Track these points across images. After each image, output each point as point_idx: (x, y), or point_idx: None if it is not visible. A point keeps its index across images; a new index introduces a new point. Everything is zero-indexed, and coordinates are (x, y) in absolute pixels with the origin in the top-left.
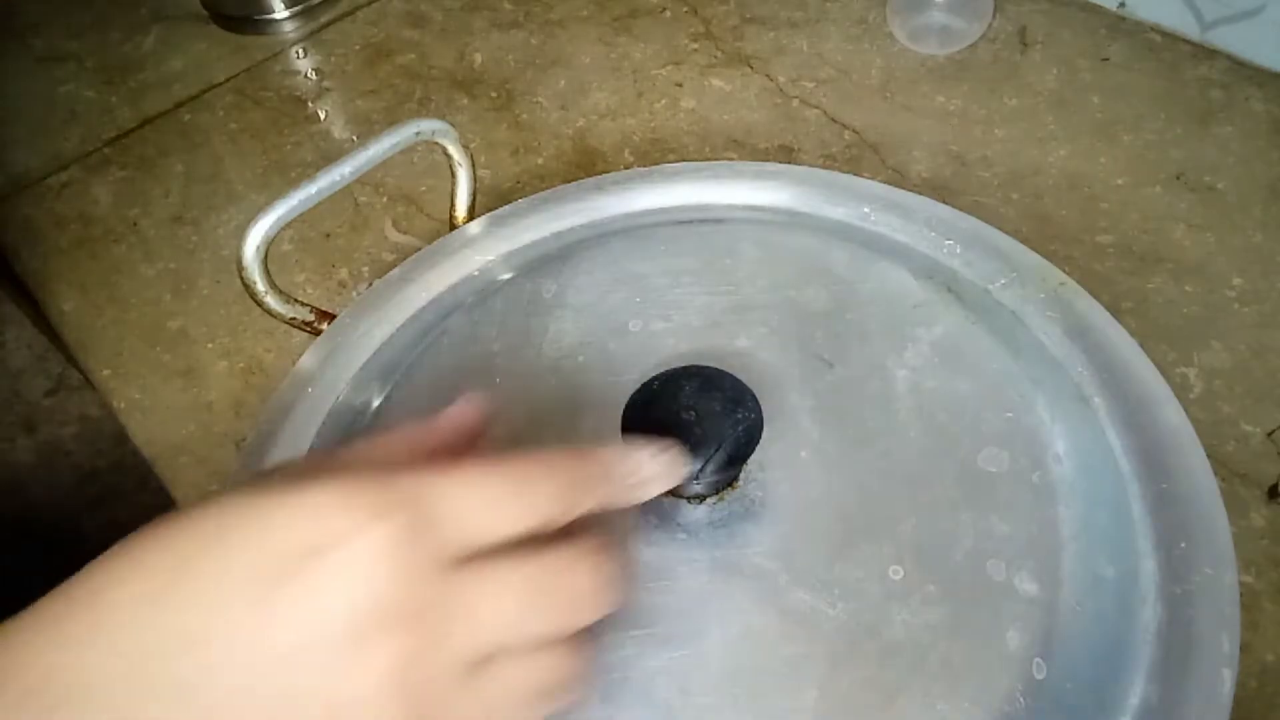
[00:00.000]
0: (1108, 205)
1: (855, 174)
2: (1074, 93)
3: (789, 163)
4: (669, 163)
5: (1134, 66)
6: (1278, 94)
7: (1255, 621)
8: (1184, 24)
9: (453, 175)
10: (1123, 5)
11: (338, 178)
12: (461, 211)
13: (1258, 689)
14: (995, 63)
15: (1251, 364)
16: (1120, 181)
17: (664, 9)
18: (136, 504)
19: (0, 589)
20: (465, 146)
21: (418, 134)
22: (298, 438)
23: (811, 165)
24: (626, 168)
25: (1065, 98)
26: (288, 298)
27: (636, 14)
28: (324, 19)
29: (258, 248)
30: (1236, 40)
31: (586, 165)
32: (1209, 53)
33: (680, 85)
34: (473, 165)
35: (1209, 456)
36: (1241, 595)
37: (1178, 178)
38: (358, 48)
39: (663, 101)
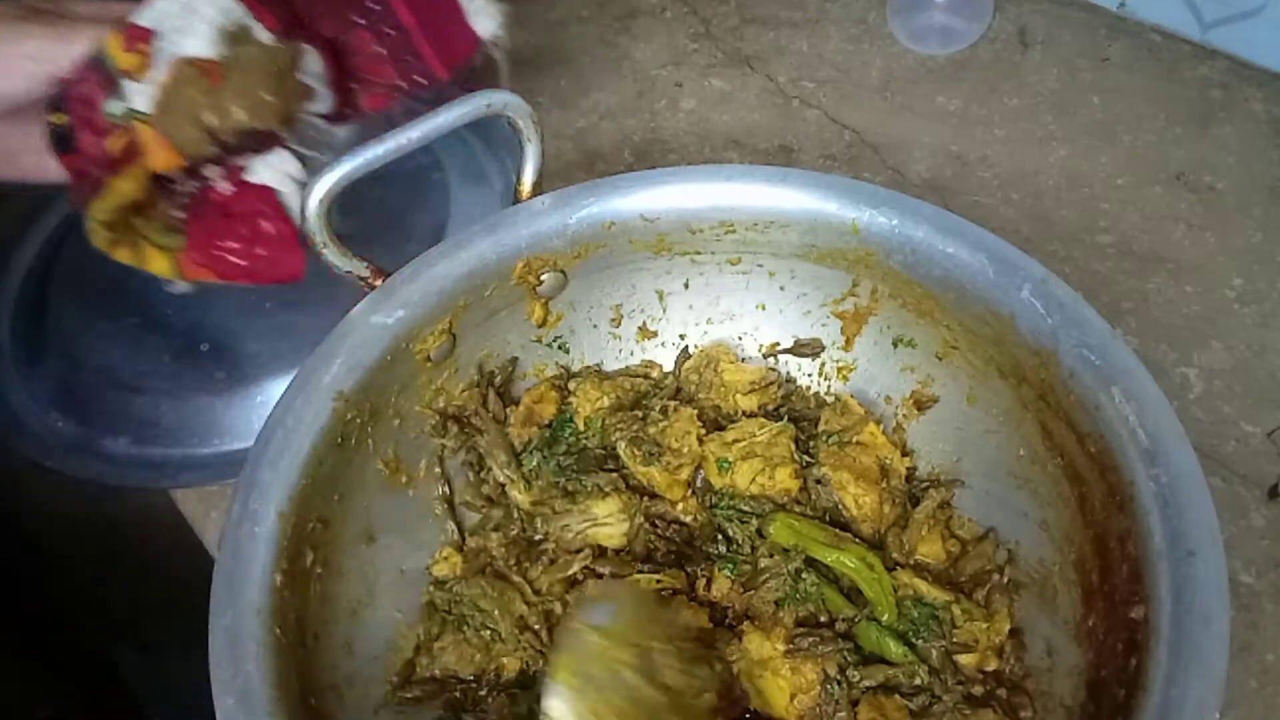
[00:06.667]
0: (1108, 205)
1: (855, 174)
2: (1074, 93)
3: (788, 163)
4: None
5: (1134, 67)
6: (1278, 94)
7: (1255, 622)
8: (1184, 24)
9: (520, 149)
10: (1123, 5)
11: (404, 141)
12: (527, 185)
13: (1258, 689)
14: (995, 63)
15: (1251, 364)
16: (1120, 181)
17: (664, 9)
18: None
19: None
20: (535, 121)
21: (488, 105)
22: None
23: (811, 165)
24: (627, 168)
25: (1065, 98)
26: (346, 252)
27: (636, 14)
28: None
29: (320, 200)
30: (1236, 40)
31: (586, 165)
32: (1209, 53)
33: (680, 85)
34: (541, 140)
35: (1209, 457)
36: (1241, 595)
37: (1178, 178)
38: None
39: (663, 101)
